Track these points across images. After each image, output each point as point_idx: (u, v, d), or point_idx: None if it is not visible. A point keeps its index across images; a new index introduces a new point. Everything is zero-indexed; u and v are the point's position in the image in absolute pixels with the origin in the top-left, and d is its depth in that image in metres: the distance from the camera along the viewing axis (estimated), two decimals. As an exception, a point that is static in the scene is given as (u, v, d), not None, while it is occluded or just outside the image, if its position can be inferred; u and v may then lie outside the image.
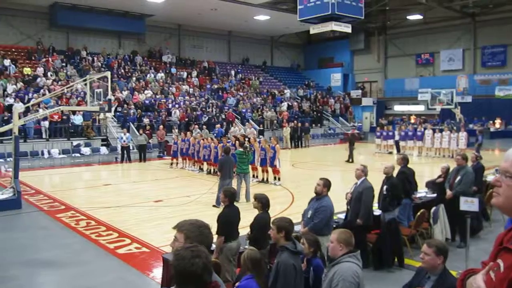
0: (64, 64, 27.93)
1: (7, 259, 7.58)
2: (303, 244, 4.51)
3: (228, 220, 5.75)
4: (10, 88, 23.27)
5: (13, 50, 28.04)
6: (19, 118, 12.25)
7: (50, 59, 27.62)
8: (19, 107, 16.39)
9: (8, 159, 17.83)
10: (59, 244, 8.51)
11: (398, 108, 39.48)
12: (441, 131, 22.62)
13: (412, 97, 35.09)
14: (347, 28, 13.54)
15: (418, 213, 7.67)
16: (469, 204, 6.41)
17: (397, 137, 23.77)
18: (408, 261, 7.02)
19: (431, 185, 9.74)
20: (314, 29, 13.59)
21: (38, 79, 25.00)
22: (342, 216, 7.44)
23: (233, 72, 36.61)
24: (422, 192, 9.55)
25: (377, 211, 7.52)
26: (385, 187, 7.47)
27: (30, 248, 8.22)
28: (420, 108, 35.86)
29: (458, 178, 8.04)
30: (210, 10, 29.74)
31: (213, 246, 5.50)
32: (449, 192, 8.11)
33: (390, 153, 23.66)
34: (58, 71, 26.72)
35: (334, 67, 42.39)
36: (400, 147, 23.37)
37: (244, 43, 40.58)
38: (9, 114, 19.80)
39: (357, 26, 32.99)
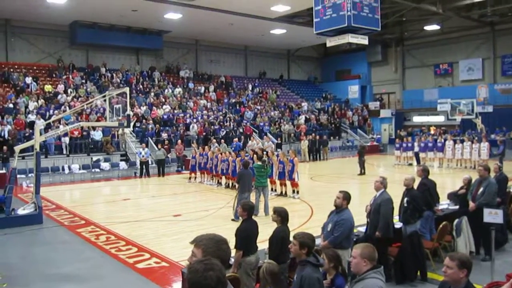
0: (84, 80, 28.42)
1: (29, 274, 7.64)
2: (323, 259, 4.44)
3: (247, 234, 5.69)
4: (32, 105, 23.74)
5: (35, 68, 28.66)
6: (40, 134, 12.44)
7: (70, 76, 28.16)
8: (40, 123, 16.70)
9: (29, 175, 18.10)
10: (79, 258, 8.56)
11: (417, 119, 39.06)
12: (462, 141, 22.28)
13: (431, 108, 34.68)
14: (363, 40, 13.47)
15: (441, 226, 7.50)
16: (493, 216, 6.26)
17: (416, 149, 23.48)
18: (431, 275, 6.85)
19: (453, 197, 9.54)
20: (331, 42, 13.56)
21: (59, 96, 25.46)
22: (362, 229, 7.32)
23: (250, 86, 36.76)
24: (444, 204, 9.37)
25: (398, 224, 7.39)
26: (405, 199, 7.34)
27: (51, 263, 8.28)
28: (440, 119, 35.42)
29: (481, 189, 7.88)
30: (227, 25, 30.00)
31: (232, 260, 5.46)
32: (472, 204, 7.93)
33: (410, 164, 23.37)
34: (78, 88, 27.18)
35: (352, 79, 42.24)
36: (420, 159, 23.05)
37: (261, 57, 40.79)
38: (30, 131, 20.15)
39: (374, 37, 32.89)
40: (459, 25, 33.82)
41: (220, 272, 2.17)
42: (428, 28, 35.20)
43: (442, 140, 23.25)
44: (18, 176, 17.56)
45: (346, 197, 6.00)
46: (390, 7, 29.92)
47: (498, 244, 7.76)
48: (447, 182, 17.43)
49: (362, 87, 41.58)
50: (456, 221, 7.79)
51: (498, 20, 33.20)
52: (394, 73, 40.60)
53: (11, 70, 26.87)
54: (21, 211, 11.34)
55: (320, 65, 45.98)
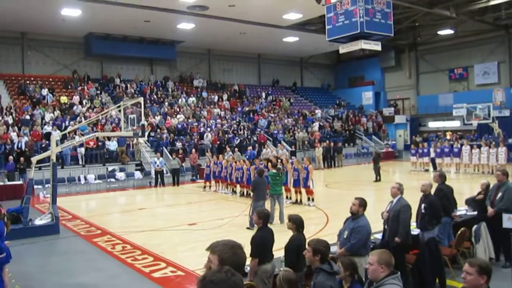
0: (98, 91, 28.75)
1: (46, 283, 7.71)
2: (339, 266, 4.39)
3: (262, 242, 5.66)
4: (48, 117, 24.07)
5: (50, 79, 29.08)
6: (57, 145, 12.57)
7: (85, 87, 28.52)
8: (56, 134, 16.86)
9: (46, 185, 18.33)
10: (96, 268, 8.59)
11: (432, 124, 38.66)
12: (479, 146, 22.00)
13: (446, 113, 34.29)
14: (376, 46, 13.41)
15: (459, 232, 7.38)
16: (512, 221, 6.14)
17: (432, 154, 23.25)
18: (450, 282, 6.73)
19: (471, 202, 9.39)
20: (344, 49, 13.52)
21: (74, 107, 25.77)
22: (379, 236, 7.24)
23: (263, 94, 36.82)
24: (462, 210, 9.23)
25: (415, 231, 7.29)
26: (423, 205, 7.24)
27: (68, 272, 8.32)
28: (456, 124, 35.00)
29: (500, 194, 7.74)
30: (239, 34, 30.14)
31: (247, 268, 5.43)
32: (490, 209, 7.80)
33: (427, 170, 23.14)
34: (93, 99, 27.50)
35: (365, 85, 42.05)
36: (437, 164, 22.79)
37: (274, 65, 40.85)
38: (47, 142, 20.40)
39: (387, 43, 32.74)
40: (473, 29, 33.49)
41: (240, 277, 2.18)
42: (442, 32, 34.93)
43: (459, 145, 22.99)
44: (35, 186, 17.76)
45: (362, 203, 5.95)
46: (402, 13, 29.77)
47: (519, 250, 7.61)
48: (465, 187, 17.20)
49: (376, 93, 41.34)
50: (474, 227, 7.66)
51: (513, 23, 32.83)
52: (408, 78, 40.31)
53: (27, 82, 27.30)
54: (38, 221, 11.45)
55: (333, 72, 45.88)
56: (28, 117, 23.57)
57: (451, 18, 29.73)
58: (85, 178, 20.81)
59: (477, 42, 35.08)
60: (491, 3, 27.65)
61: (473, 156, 21.65)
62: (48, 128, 22.59)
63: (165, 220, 13.11)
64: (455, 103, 32.21)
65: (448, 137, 31.48)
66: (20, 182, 18.56)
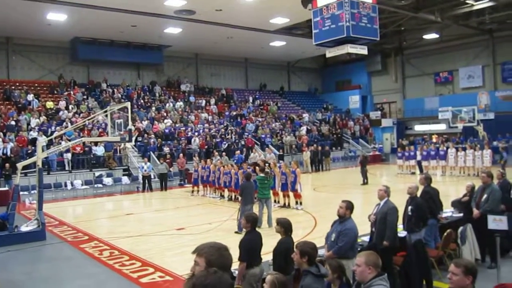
0: (85, 96, 28.54)
1: (32, 291, 7.61)
2: (327, 269, 4.41)
3: (251, 246, 5.67)
4: (34, 122, 23.84)
5: (36, 85, 28.81)
6: (43, 151, 12.45)
7: (71, 92, 28.32)
8: (42, 140, 16.71)
9: (32, 192, 18.14)
10: (83, 274, 8.52)
11: (418, 128, 39.02)
12: (464, 149, 22.25)
13: (432, 116, 34.66)
14: (363, 50, 13.52)
15: (445, 234, 7.46)
16: (497, 222, 6.24)
17: (419, 157, 23.47)
18: (437, 283, 6.79)
19: (457, 204, 9.50)
20: (330, 53, 13.62)
21: (61, 112, 25.56)
22: (366, 238, 7.29)
23: (251, 99, 36.87)
24: (448, 211, 9.33)
25: (402, 233, 7.35)
26: (409, 207, 7.31)
27: (55, 279, 8.24)
28: (442, 127, 35.37)
29: (485, 196, 7.85)
30: (226, 38, 30.17)
31: (235, 272, 5.43)
32: (476, 211, 7.90)
33: (413, 173, 23.33)
34: (80, 104, 27.31)
35: (352, 89, 42.34)
36: (423, 167, 23.00)
37: (261, 69, 40.94)
38: (33, 147, 20.18)
39: (373, 47, 33.03)
40: (458, 33, 33.93)
41: (228, 276, 2.23)
42: (427, 36, 35.34)
43: (444, 148, 23.22)
44: (21, 193, 17.57)
45: (349, 206, 5.99)
46: (388, 17, 30.07)
47: (504, 251, 7.71)
48: (451, 190, 17.36)
49: (362, 97, 41.62)
50: (460, 228, 7.75)
51: (497, 28, 33.30)
52: (394, 82, 40.66)
53: (13, 87, 27.01)
54: (24, 228, 11.31)
55: (320, 76, 46.12)
56: (13, 122, 23.30)
57: (436, 22, 30.10)
58: (72, 184, 20.63)
59: (461, 46, 35.54)
60: (475, 7, 28.04)
61: (458, 159, 21.89)
62: (34, 134, 22.35)
63: (153, 225, 13.05)
64: (441, 106, 32.60)
65: (434, 140, 31.79)
66: (6, 188, 18.33)
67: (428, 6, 28.05)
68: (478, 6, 27.86)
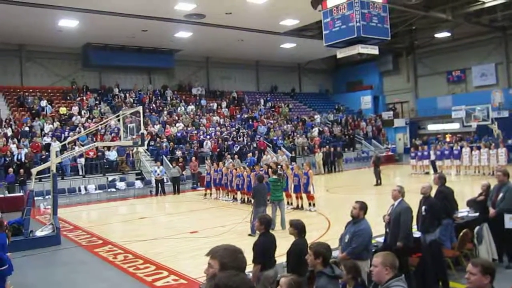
0: (97, 102, 28.78)
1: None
2: (342, 270, 4.37)
3: (264, 248, 5.65)
4: (47, 128, 24.09)
5: (49, 91, 29.10)
6: (56, 156, 12.56)
7: (84, 98, 28.57)
8: (56, 145, 16.89)
9: (47, 197, 18.29)
10: (98, 278, 8.57)
11: (431, 127, 38.64)
12: (478, 148, 21.99)
13: (445, 115, 34.28)
14: (374, 50, 13.44)
15: (461, 234, 7.37)
16: (514, 221, 6.13)
17: (432, 157, 23.24)
18: (454, 284, 6.70)
19: (472, 203, 9.38)
20: (341, 53, 13.55)
21: (74, 118, 25.79)
22: (381, 239, 7.22)
23: (262, 101, 36.86)
24: (464, 211, 9.21)
25: (416, 233, 7.27)
26: (423, 207, 7.24)
27: (70, 283, 8.30)
28: (455, 126, 34.98)
29: (501, 195, 7.73)
30: (237, 41, 30.22)
31: (250, 275, 5.41)
32: (492, 210, 7.78)
33: (427, 173, 23.13)
34: (92, 109, 27.53)
35: (364, 89, 42.08)
36: (437, 167, 22.77)
37: (272, 71, 40.92)
38: (46, 153, 20.39)
39: (385, 47, 32.79)
40: (469, 31, 33.58)
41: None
42: (439, 35, 35.02)
43: (459, 147, 22.97)
44: (36, 198, 17.71)
45: (363, 207, 5.94)
46: (399, 17, 29.85)
47: (522, 250, 7.58)
48: (466, 189, 17.17)
49: (374, 97, 41.36)
50: (476, 228, 7.64)
51: (509, 25, 32.91)
52: (406, 82, 40.34)
53: (26, 94, 27.33)
54: (39, 233, 11.41)
55: (331, 77, 45.94)
56: (27, 128, 23.58)
57: (447, 21, 29.84)
58: (86, 189, 20.79)
59: (474, 44, 35.15)
60: (487, 5, 27.74)
61: (473, 158, 21.65)
62: (47, 139, 22.58)
63: (167, 228, 13.09)
64: (454, 105, 32.22)
65: (447, 139, 31.46)
66: (21, 194, 18.54)
67: (439, 4, 27.81)
68: (490, 3, 27.54)
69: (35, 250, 10.61)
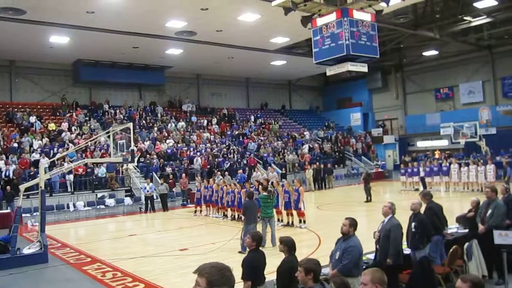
0: (87, 118, 28.67)
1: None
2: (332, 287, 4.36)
3: (253, 264, 5.62)
4: (36, 144, 23.90)
5: (39, 107, 28.94)
6: (45, 172, 12.45)
7: (74, 114, 28.44)
8: (44, 162, 16.75)
9: (34, 214, 18.05)
10: (85, 297, 8.44)
11: (421, 144, 38.99)
12: (467, 164, 22.18)
13: (434, 132, 34.65)
14: (363, 68, 13.55)
15: (451, 250, 7.38)
16: (503, 237, 6.17)
17: (422, 174, 23.38)
18: (444, 301, 6.71)
19: (462, 220, 9.43)
20: (331, 71, 13.64)
21: (63, 134, 25.63)
22: (371, 256, 7.21)
23: (252, 118, 36.96)
24: (453, 227, 9.25)
25: (407, 250, 7.27)
26: (413, 224, 7.26)
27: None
28: (444, 143, 35.33)
29: (490, 211, 7.78)
30: (227, 58, 30.41)
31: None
32: (481, 227, 7.83)
33: (417, 190, 23.19)
34: (82, 125, 27.41)
35: (353, 106, 42.42)
36: (427, 183, 22.91)
37: (262, 88, 41.14)
38: (35, 169, 20.21)
39: (374, 65, 33.20)
40: (457, 49, 34.19)
41: None
42: (426, 53, 35.60)
43: (447, 164, 23.16)
44: (23, 215, 17.48)
45: (353, 223, 5.94)
46: (387, 35, 30.35)
47: (511, 266, 7.61)
48: (455, 205, 17.26)
49: (364, 114, 41.70)
50: (466, 244, 7.66)
51: (495, 43, 33.57)
52: (395, 99, 40.79)
53: (15, 110, 27.15)
54: (26, 251, 11.24)
55: (321, 94, 46.30)
56: (16, 145, 23.37)
57: (435, 39, 30.36)
58: (74, 206, 20.57)
59: (461, 62, 35.74)
60: (473, 24, 28.33)
61: (462, 174, 21.81)
62: (36, 156, 22.40)
63: (156, 246, 12.96)
64: (442, 122, 32.60)
65: (436, 156, 31.72)
66: (8, 210, 18.29)
67: (426, 23, 28.34)
68: (476, 22, 28.16)
69: (22, 268, 10.42)
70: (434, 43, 33.46)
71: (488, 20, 27.84)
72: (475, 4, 25.32)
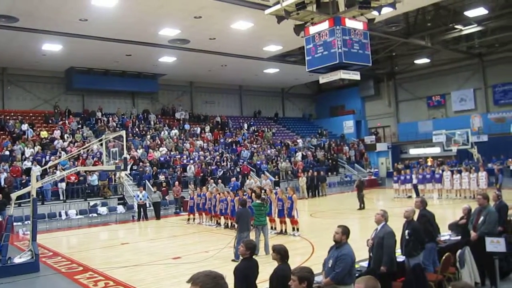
0: (80, 126, 28.55)
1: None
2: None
3: (245, 273, 5.60)
4: (28, 152, 23.74)
5: (31, 114, 28.77)
6: (37, 180, 12.37)
7: (66, 121, 28.31)
8: (36, 170, 16.63)
9: (26, 222, 17.92)
10: (77, 307, 8.36)
11: (413, 151, 39.18)
12: (459, 172, 22.31)
13: (426, 139, 34.84)
14: (355, 76, 13.61)
15: (444, 257, 7.40)
16: (495, 244, 6.21)
17: (415, 181, 23.46)
18: (437, 308, 6.71)
19: (454, 227, 9.47)
20: (323, 79, 13.69)
21: (55, 142, 25.49)
22: (365, 264, 7.21)
23: (246, 125, 36.99)
24: (446, 235, 9.28)
25: (400, 257, 7.28)
26: (407, 231, 7.27)
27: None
28: (436, 150, 35.53)
29: (482, 218, 7.82)
30: (220, 66, 30.48)
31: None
32: (473, 234, 7.86)
33: (410, 197, 23.29)
34: (75, 133, 27.27)
35: (346, 114, 42.61)
36: (419, 191, 22.99)
37: (256, 96, 41.22)
38: (27, 177, 20.06)
39: (366, 73, 33.43)
40: (448, 57, 34.51)
41: None
42: (418, 61, 35.90)
43: (440, 171, 23.27)
44: (15, 223, 17.33)
45: (345, 231, 5.94)
46: (380, 43, 30.60)
47: (503, 273, 7.65)
48: (448, 212, 17.32)
49: (357, 122, 41.88)
50: (459, 252, 7.69)
51: (486, 51, 33.91)
52: (387, 106, 41.01)
53: (7, 117, 26.99)
54: (17, 260, 11.13)
55: (314, 101, 46.46)
56: (7, 152, 23.20)
57: (426, 47, 30.66)
58: (66, 214, 20.43)
59: (452, 70, 36.06)
60: (464, 32, 28.64)
61: (454, 182, 21.91)
62: (28, 164, 22.24)
63: (149, 254, 12.88)
64: (435, 129, 32.76)
65: (429, 163, 31.86)
66: (-1, 219, 18.12)
67: (418, 31, 28.63)
68: (467, 31, 28.48)
69: (13, 278, 10.32)
70: (425, 51, 33.78)
71: (478, 28, 28.16)
72: (466, 13, 25.64)
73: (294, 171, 30.18)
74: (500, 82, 33.98)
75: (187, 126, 33.34)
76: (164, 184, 23.21)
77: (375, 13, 12.37)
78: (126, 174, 23.60)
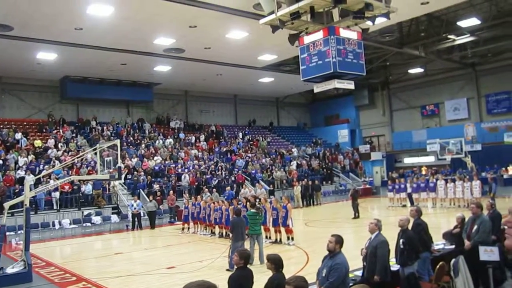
0: (74, 135, 28.44)
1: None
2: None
3: (240, 283, 5.58)
4: (22, 161, 23.60)
5: (25, 123, 28.66)
6: (30, 190, 12.30)
7: (60, 130, 28.19)
8: (30, 179, 16.55)
9: (19, 232, 17.78)
10: (70, 317, 8.29)
11: (408, 160, 39.30)
12: (453, 181, 22.39)
13: (421, 148, 35.01)
14: (350, 85, 13.70)
15: (438, 266, 7.41)
16: (489, 253, 6.22)
17: (409, 190, 23.53)
18: (432, 317, 6.71)
19: (448, 236, 9.48)
20: (318, 88, 13.77)
21: (49, 151, 25.37)
22: (359, 273, 7.21)
23: (240, 134, 37.01)
24: (440, 244, 9.30)
25: (394, 266, 7.29)
26: (401, 240, 7.28)
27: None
28: (430, 159, 35.67)
29: (475, 227, 7.85)
30: (215, 75, 30.53)
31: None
32: (467, 243, 7.88)
33: (404, 206, 23.33)
34: (69, 142, 27.16)
35: (341, 123, 42.75)
36: (414, 200, 23.05)
37: (250, 105, 41.26)
38: (20, 186, 19.94)
39: (360, 82, 33.60)
40: (441, 67, 34.77)
41: None
42: (412, 71, 36.15)
43: (434, 180, 23.35)
44: (7, 233, 17.21)
45: (339, 240, 5.95)
46: (374, 53, 30.81)
47: (497, 282, 7.64)
48: (441, 221, 17.37)
49: (351, 131, 42.01)
50: (453, 260, 7.70)
51: (479, 61, 34.21)
52: (382, 116, 41.18)
53: (1, 126, 26.86)
54: (10, 270, 11.03)
55: (309, 110, 46.58)
56: (0, 161, 23.07)
57: (420, 57, 30.90)
58: (60, 223, 20.29)
59: (446, 80, 36.33)
60: (457, 42, 28.92)
61: (448, 191, 21.99)
62: (21, 173, 22.09)
63: (143, 264, 12.81)
64: (429, 138, 32.99)
65: (423, 172, 31.97)
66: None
67: (411, 41, 28.87)
68: (460, 41, 28.77)
69: (5, 288, 10.26)
70: (419, 61, 34.04)
71: (471, 38, 28.45)
72: (459, 23, 25.92)
73: (288, 180, 30.18)
74: (493, 91, 34.23)
75: (182, 135, 33.31)
76: (158, 193, 23.13)
77: (369, 23, 12.48)
78: (120, 183, 23.50)
